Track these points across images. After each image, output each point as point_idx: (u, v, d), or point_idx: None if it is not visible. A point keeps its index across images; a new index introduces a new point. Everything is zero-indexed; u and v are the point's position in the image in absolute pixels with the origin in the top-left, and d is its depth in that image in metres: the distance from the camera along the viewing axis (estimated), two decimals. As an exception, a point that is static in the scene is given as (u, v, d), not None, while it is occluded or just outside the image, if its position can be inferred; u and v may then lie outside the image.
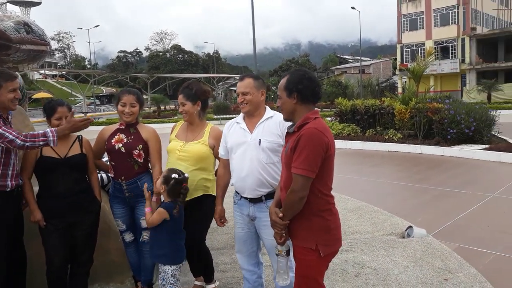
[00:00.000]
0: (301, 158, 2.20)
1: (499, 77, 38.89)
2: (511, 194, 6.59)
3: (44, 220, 2.95)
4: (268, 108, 2.97)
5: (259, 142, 2.79)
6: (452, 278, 3.70)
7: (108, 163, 3.32)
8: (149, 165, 3.34)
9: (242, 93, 2.86)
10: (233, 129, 2.98)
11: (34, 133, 2.77)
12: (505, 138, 11.48)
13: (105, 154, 3.39)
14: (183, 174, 3.03)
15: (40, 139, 2.74)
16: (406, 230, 4.84)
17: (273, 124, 2.81)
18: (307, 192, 2.24)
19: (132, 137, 3.25)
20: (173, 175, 2.98)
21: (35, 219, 2.94)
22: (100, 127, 3.83)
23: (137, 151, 3.22)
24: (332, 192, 2.41)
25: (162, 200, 3.08)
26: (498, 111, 13.24)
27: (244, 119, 2.96)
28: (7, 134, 2.67)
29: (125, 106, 3.21)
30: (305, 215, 2.30)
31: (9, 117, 2.98)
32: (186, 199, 3.14)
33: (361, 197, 6.64)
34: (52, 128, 2.83)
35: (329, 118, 16.30)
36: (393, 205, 6.22)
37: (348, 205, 6.12)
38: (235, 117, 3.12)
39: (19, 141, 2.68)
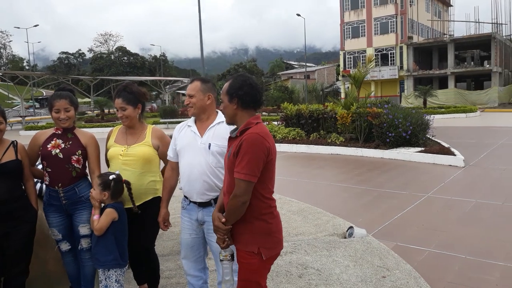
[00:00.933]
0: (243, 163, 2.22)
1: (434, 83, 41.44)
2: (444, 194, 7.03)
3: None
4: (220, 112, 2.95)
5: (209, 146, 2.80)
6: (389, 275, 3.88)
7: (42, 169, 3.17)
8: (87, 171, 3.23)
9: (188, 95, 2.87)
10: (184, 132, 2.96)
11: None
12: (439, 141, 12.22)
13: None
14: (113, 173, 3.00)
15: None
16: (347, 231, 5.01)
17: (224, 128, 2.81)
18: (250, 197, 2.26)
19: (71, 142, 3.13)
20: (111, 177, 2.92)
21: None
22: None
23: (76, 156, 3.11)
24: (277, 195, 2.47)
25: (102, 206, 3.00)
26: (433, 115, 14.06)
27: (195, 122, 2.94)
28: None
29: (60, 112, 3.07)
30: (247, 219, 2.32)
31: None
32: (137, 204, 3.07)
33: (305, 199, 6.80)
34: None
35: (275, 122, 16.54)
36: (336, 207, 6.43)
37: (293, 207, 6.25)
38: (182, 121, 3.10)
39: None
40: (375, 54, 43.39)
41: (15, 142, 3.04)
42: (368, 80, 38.14)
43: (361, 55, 44.36)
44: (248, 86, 2.39)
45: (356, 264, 4.14)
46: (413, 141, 11.65)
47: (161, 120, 27.25)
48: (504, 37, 45.32)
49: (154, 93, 68.24)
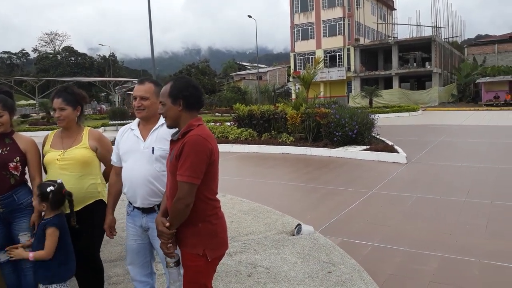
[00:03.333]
0: (186, 165, 2.22)
1: (379, 84, 43.06)
2: (388, 189, 7.36)
3: None
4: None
5: (152, 151, 2.74)
6: (335, 270, 4.02)
7: None
8: (26, 177, 3.10)
9: (141, 97, 2.77)
10: (126, 135, 2.88)
11: None
12: (383, 139, 12.77)
13: None
14: (55, 181, 2.84)
15: None
16: (295, 228, 5.14)
17: (167, 131, 2.72)
18: (193, 199, 2.26)
19: (8, 148, 2.99)
20: (48, 189, 2.78)
21: None
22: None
23: (13, 163, 2.97)
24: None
25: (42, 218, 2.87)
26: (377, 115, 14.67)
27: (138, 125, 2.88)
28: None
29: None
30: (192, 221, 2.32)
31: None
32: (77, 209, 2.97)
33: (256, 198, 6.87)
34: None
35: (228, 123, 16.58)
36: (285, 205, 6.56)
37: (244, 207, 6.31)
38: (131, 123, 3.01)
39: None
40: (324, 56, 44.52)
41: None
42: (317, 81, 39.06)
43: (310, 56, 45.31)
44: (192, 87, 2.40)
45: (304, 261, 4.26)
46: (359, 140, 12.09)
47: (111, 122, 26.48)
48: (443, 39, 47.94)
49: (103, 94, 66.18)
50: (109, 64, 75.28)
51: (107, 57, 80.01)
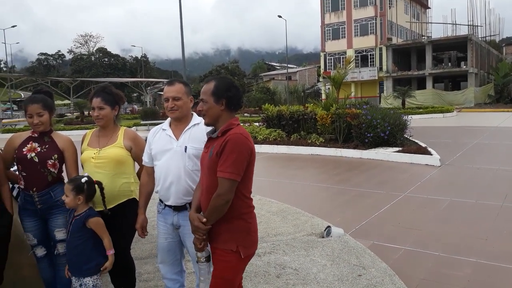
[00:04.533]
0: (228, 162, 2.25)
1: (412, 84, 42.15)
2: (420, 192, 7.18)
3: None
4: (195, 114, 2.93)
5: (185, 149, 2.77)
6: (365, 274, 3.95)
7: (17, 172, 3.14)
8: (62, 175, 3.20)
9: (173, 98, 2.80)
10: (158, 136, 2.92)
11: None
12: (416, 141, 12.46)
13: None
14: (84, 175, 2.96)
15: None
16: (325, 230, 5.08)
17: (200, 130, 2.78)
18: (233, 195, 2.29)
19: (47, 146, 3.10)
20: (83, 180, 2.88)
21: None
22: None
23: (51, 161, 3.08)
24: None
25: (73, 214, 2.95)
26: (410, 116, 14.34)
27: (170, 125, 2.91)
28: None
29: (32, 117, 3.05)
30: (227, 218, 2.34)
31: None
32: (110, 207, 3.05)
33: (285, 199, 6.85)
34: None
35: (257, 124, 16.61)
36: (314, 206, 6.50)
37: (272, 207, 6.30)
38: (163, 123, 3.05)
39: None
40: (355, 56, 43.95)
41: None
42: (348, 81, 38.60)
43: (341, 56, 44.82)
44: (234, 88, 2.45)
45: (333, 263, 4.21)
46: (391, 141, 11.85)
47: (142, 122, 27.03)
48: (480, 38, 46.43)
49: (135, 94, 67.62)
50: (141, 65, 76.89)
51: (139, 58, 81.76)
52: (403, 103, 31.55)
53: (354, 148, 11.64)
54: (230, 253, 2.35)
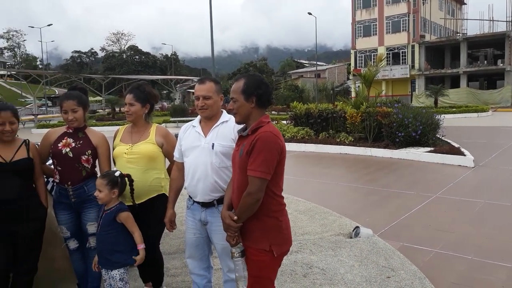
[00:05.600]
0: (258, 161, 2.25)
1: (445, 82, 40.99)
2: (452, 194, 6.98)
3: None
4: (224, 112, 2.95)
5: (212, 146, 2.79)
6: (394, 276, 3.88)
7: (53, 167, 3.24)
8: (96, 170, 3.28)
9: (203, 96, 2.81)
10: (188, 132, 2.96)
11: None
12: (449, 141, 12.11)
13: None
14: (115, 170, 3.04)
15: None
16: (353, 230, 5.02)
17: (228, 128, 2.81)
18: (263, 194, 2.28)
19: (81, 141, 3.19)
20: (117, 173, 2.96)
21: None
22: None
23: (85, 156, 3.17)
24: (285, 194, 2.49)
25: (103, 208, 3.02)
26: (443, 115, 13.94)
27: (200, 122, 2.95)
28: None
29: (67, 113, 3.13)
30: (258, 216, 2.34)
31: None
32: (140, 201, 3.11)
33: (313, 198, 6.81)
34: None
35: (284, 122, 16.55)
36: (343, 206, 6.42)
37: (300, 206, 6.27)
38: (193, 120, 3.10)
39: None
40: (387, 53, 43.11)
41: (27, 141, 3.11)
42: (379, 79, 37.91)
43: (372, 54, 44.03)
44: (264, 85, 2.43)
45: (361, 264, 4.15)
46: (422, 141, 11.57)
47: (171, 119, 27.43)
48: (518, 35, 44.62)
49: (164, 92, 68.64)
50: (171, 63, 78.00)
51: (169, 56, 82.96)
52: (436, 102, 30.72)
53: (385, 147, 11.42)
54: (263, 253, 2.35)
